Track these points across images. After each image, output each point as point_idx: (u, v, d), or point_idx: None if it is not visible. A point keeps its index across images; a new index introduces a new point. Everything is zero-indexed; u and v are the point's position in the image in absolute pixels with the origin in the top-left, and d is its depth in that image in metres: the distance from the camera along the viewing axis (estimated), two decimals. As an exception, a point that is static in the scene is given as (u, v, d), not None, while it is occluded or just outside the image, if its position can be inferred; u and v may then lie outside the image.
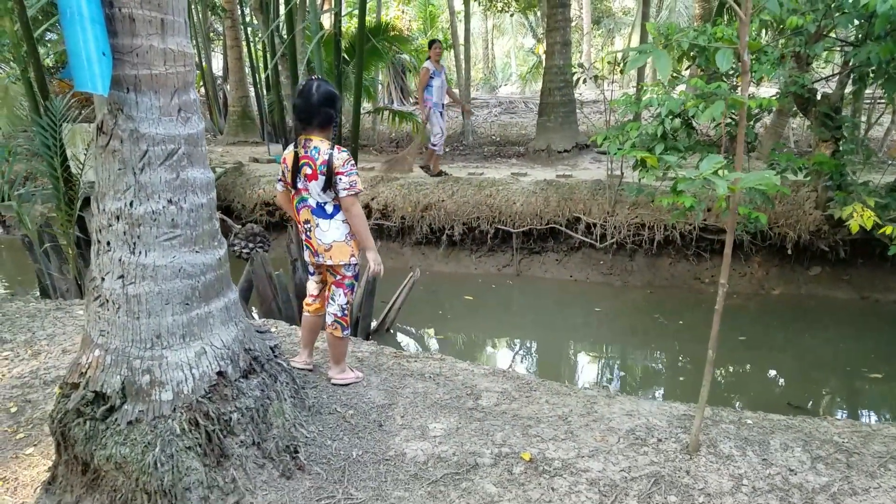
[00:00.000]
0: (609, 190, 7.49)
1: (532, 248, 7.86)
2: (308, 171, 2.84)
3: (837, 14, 4.06)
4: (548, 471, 2.48)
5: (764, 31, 5.49)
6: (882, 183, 6.21)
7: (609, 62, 7.62)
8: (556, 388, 3.26)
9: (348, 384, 3.15)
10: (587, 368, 5.65)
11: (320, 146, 2.82)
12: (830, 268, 7.06)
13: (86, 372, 2.14)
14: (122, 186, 2.02)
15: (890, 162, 8.30)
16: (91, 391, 2.11)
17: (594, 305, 6.91)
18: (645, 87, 4.40)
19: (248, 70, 13.43)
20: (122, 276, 2.08)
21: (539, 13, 23.09)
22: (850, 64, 4.92)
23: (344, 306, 3.05)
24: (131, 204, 2.03)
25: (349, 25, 14.07)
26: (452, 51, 13.62)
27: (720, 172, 1.97)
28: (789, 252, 7.01)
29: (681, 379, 5.43)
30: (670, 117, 4.16)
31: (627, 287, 7.41)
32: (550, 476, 2.45)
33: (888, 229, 4.03)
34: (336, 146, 2.85)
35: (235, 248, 6.42)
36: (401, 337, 6.19)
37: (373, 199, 8.33)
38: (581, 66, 7.26)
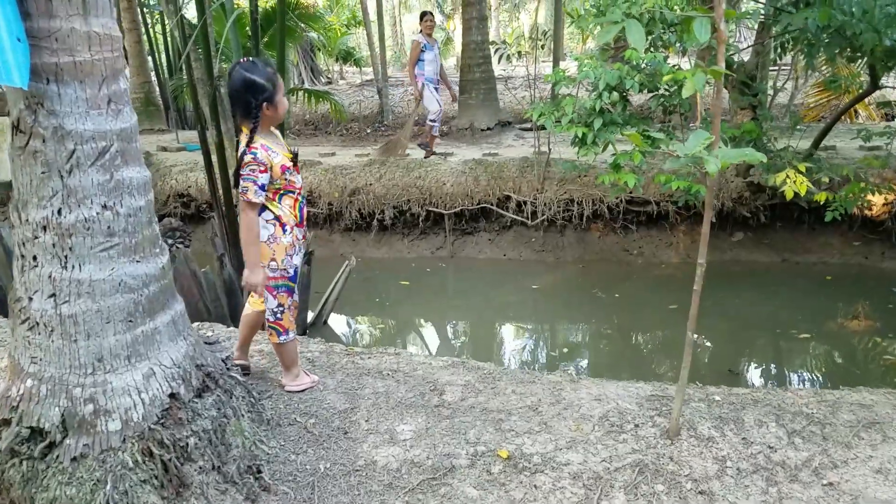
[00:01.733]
0: (537, 166, 7.50)
1: (464, 229, 7.78)
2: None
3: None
4: (528, 467, 2.40)
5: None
6: (800, 148, 6.53)
7: (531, 37, 7.56)
8: (520, 376, 3.18)
9: (303, 390, 2.95)
10: (537, 349, 5.65)
11: (242, 141, 2.57)
12: (752, 233, 7.39)
13: (17, 405, 1.85)
14: (47, 192, 1.73)
15: (799, 127, 8.78)
16: (26, 427, 1.83)
17: (530, 283, 6.93)
18: (580, 60, 4.36)
19: (147, 54, 12.49)
20: (53, 295, 1.80)
21: (447, -12, 22.87)
22: (774, 31, 5.05)
23: (275, 310, 2.77)
24: (59, 212, 1.75)
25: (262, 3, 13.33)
26: (363, 28, 13.22)
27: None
28: (713, 220, 7.27)
29: (629, 353, 5.53)
30: (608, 91, 4.15)
31: (560, 263, 7.48)
32: (531, 473, 2.37)
33: (821, 196, 4.20)
34: (255, 146, 2.54)
35: (152, 245, 5.96)
36: (339, 328, 5.97)
37: (296, 186, 7.97)
38: (504, 42, 7.17)
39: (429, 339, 5.93)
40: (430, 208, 7.64)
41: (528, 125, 10.50)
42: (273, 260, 2.70)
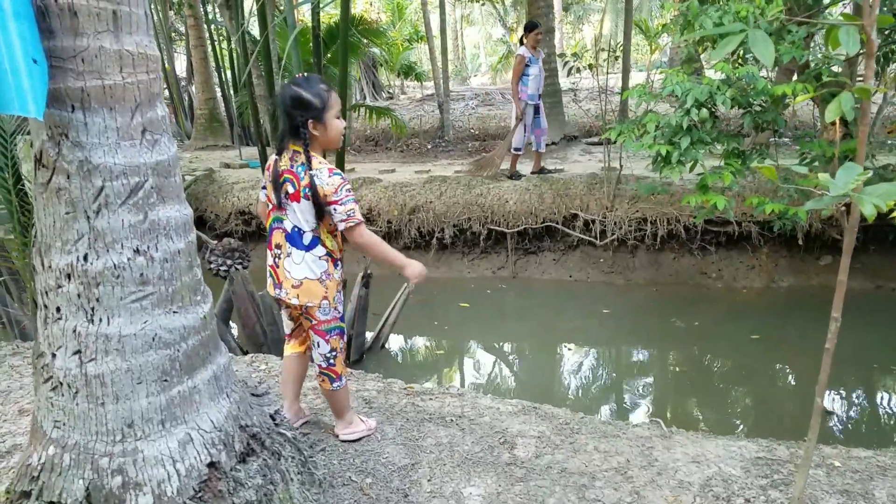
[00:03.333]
0: (607, 184, 7.09)
1: (527, 249, 7.43)
2: (290, 189, 2.34)
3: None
4: (619, 548, 2.05)
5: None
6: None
7: (603, 49, 7.18)
8: (602, 428, 2.82)
9: (359, 439, 2.68)
10: (612, 387, 5.22)
11: (307, 163, 2.31)
12: (841, 256, 6.75)
13: (38, 476, 1.63)
14: (72, 235, 1.52)
15: (890, 141, 8.05)
16: (46, 502, 1.61)
17: (599, 307, 6.52)
18: (665, 74, 3.98)
19: (213, 70, 12.74)
20: (78, 352, 1.58)
21: (508, 1, 22.64)
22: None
23: (328, 355, 2.52)
24: (86, 257, 1.53)
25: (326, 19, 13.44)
26: (426, 43, 13.10)
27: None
28: (799, 242, 6.69)
29: (714, 393, 5.03)
30: (696, 107, 3.74)
31: (630, 285, 7.03)
32: (623, 556, 2.02)
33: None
34: (329, 167, 2.32)
35: (212, 265, 5.86)
36: (397, 353, 5.72)
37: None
38: (575, 54, 6.82)
39: (490, 369, 5.59)
40: (492, 227, 7.32)
41: (596, 139, 10.09)
42: (325, 298, 2.44)
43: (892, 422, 4.58)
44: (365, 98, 17.04)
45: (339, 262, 2.48)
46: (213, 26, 12.73)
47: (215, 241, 5.64)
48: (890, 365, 5.27)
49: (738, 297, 6.66)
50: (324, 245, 2.40)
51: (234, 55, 12.28)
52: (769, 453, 2.57)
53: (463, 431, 2.78)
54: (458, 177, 7.81)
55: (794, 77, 6.58)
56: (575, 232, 7.15)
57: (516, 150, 7.47)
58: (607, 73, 7.29)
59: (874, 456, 2.55)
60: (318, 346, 2.52)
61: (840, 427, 4.39)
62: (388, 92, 19.05)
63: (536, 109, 7.31)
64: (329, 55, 9.53)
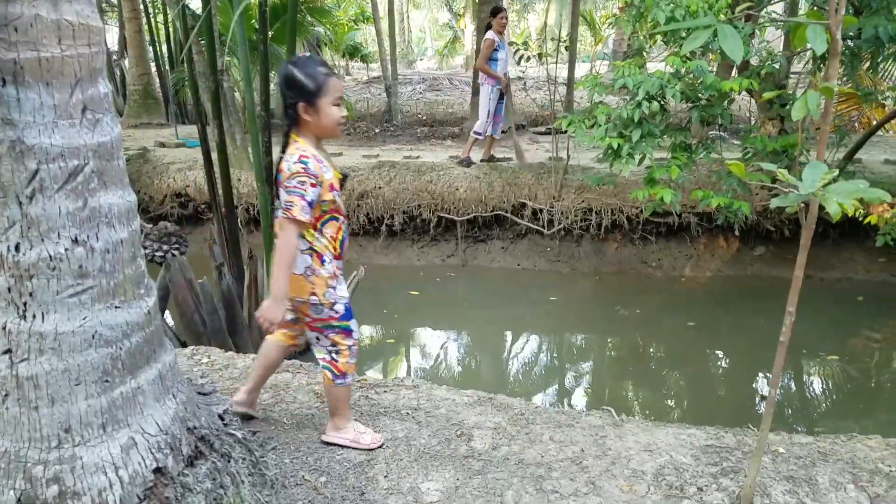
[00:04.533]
0: (555, 174, 7.14)
1: (477, 237, 7.43)
2: (279, 177, 2.24)
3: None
4: (578, 541, 2.05)
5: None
6: (831, 161, 6.18)
7: (552, 39, 7.20)
8: (556, 418, 2.83)
9: (345, 446, 2.50)
10: (565, 375, 5.28)
11: (285, 147, 2.23)
12: (775, 247, 7.03)
13: (-40, 486, 1.49)
14: (1, 223, 1.37)
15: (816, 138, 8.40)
16: (-30, 514, 1.47)
17: (547, 295, 6.58)
18: (617, 66, 4.01)
19: (148, 45, 12.12)
20: (8, 351, 1.44)
21: (456, -14, 22.49)
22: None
23: (329, 348, 2.40)
24: (17, 248, 1.39)
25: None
26: (372, 25, 12.85)
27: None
28: (736, 233, 6.92)
29: (661, 379, 5.15)
30: (647, 100, 3.78)
31: (576, 274, 7.13)
32: (582, 547, 2.02)
33: (872, 219, 3.85)
34: (302, 153, 2.16)
35: (147, 250, 5.59)
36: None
37: (300, 188, 7.61)
38: (525, 43, 6.81)
39: (442, 358, 5.56)
40: (442, 214, 7.28)
41: (543, 129, 10.13)
42: (313, 294, 2.30)
43: (822, 405, 4.81)
44: (309, 79, 16.58)
45: (324, 258, 2.30)
46: (148, -2, 12.13)
47: (150, 225, 5.38)
48: (819, 350, 5.54)
49: (677, 285, 6.86)
50: (305, 239, 2.25)
51: (172, 29, 11.74)
52: (717, 441, 2.63)
53: (419, 424, 2.73)
54: (408, 162, 7.72)
55: (734, 73, 6.78)
56: (523, 221, 7.19)
57: (476, 133, 7.43)
58: (556, 62, 7.31)
59: (815, 442, 2.64)
60: (318, 340, 2.41)
61: (775, 412, 4.56)
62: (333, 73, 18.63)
63: (500, 95, 7.28)
64: (272, 33, 9.20)
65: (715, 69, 6.92)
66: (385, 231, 7.34)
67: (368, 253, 7.41)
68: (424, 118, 12.00)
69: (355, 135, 10.23)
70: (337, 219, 2.31)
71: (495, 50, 7.02)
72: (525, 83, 9.46)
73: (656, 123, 4.00)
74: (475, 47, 9.37)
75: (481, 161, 7.70)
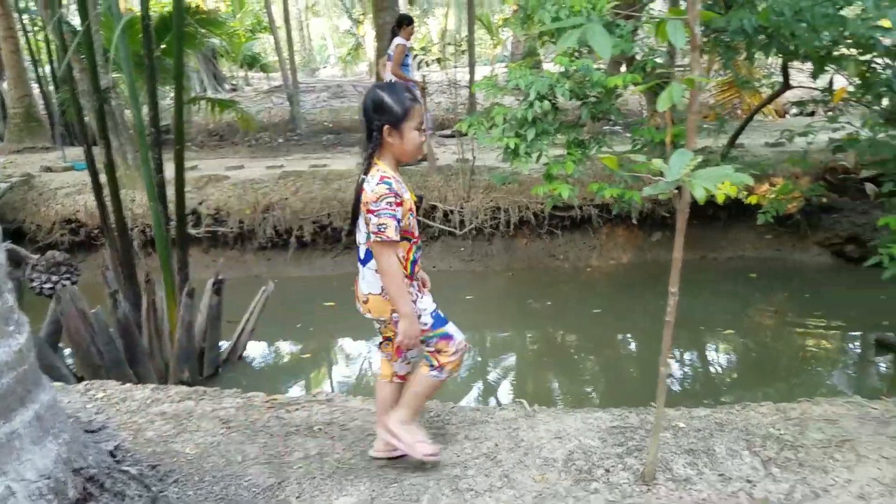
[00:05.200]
0: (462, 175, 7.23)
1: (390, 242, 7.39)
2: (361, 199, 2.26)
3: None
4: (494, 536, 2.08)
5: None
6: (713, 147, 6.58)
7: (449, 44, 7.30)
8: (471, 416, 2.86)
9: (395, 441, 2.41)
10: (482, 372, 5.33)
11: (367, 170, 2.23)
12: (670, 232, 7.41)
13: None
14: None
15: (706, 125, 8.92)
16: None
17: (462, 294, 6.66)
18: (509, 68, 4.11)
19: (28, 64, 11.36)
20: None
21: (354, -7, 22.37)
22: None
23: (432, 352, 2.39)
24: None
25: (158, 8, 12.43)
26: (270, 34, 12.58)
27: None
28: (634, 221, 7.24)
29: (573, 366, 5.31)
30: (539, 100, 3.90)
31: (489, 272, 7.26)
32: (499, 542, 2.05)
33: (753, 199, 4.13)
34: (383, 174, 2.18)
35: (35, 283, 5.21)
36: (257, 363, 5.45)
37: (201, 204, 7.35)
38: (424, 48, 6.88)
39: (362, 369, 5.50)
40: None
41: (448, 132, 10.24)
42: (395, 311, 2.30)
43: (722, 378, 5.10)
44: (205, 90, 16.04)
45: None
46: (25, 15, 11.34)
47: (37, 256, 5.03)
48: (715, 326, 5.89)
49: (583, 275, 7.11)
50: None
51: (54, 47, 11.04)
52: (622, 421, 2.74)
53: (333, 439, 2.68)
54: (315, 171, 7.61)
55: (623, 69, 7.10)
56: (435, 223, 7.23)
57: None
58: (455, 66, 7.42)
59: (712, 414, 2.80)
60: (405, 355, 2.45)
61: (679, 388, 4.82)
62: (232, 84, 18.10)
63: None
64: (164, 46, 8.82)
65: (605, 67, 7.22)
66: (295, 243, 7.19)
67: (278, 266, 7.24)
68: (331, 126, 11.86)
69: (257, 146, 9.98)
70: (409, 239, 2.34)
71: (406, 55, 7.25)
72: (426, 88, 9.53)
73: (550, 122, 4.14)
74: (377, 54, 9.36)
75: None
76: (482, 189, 7.18)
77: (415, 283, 2.38)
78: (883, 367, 4.98)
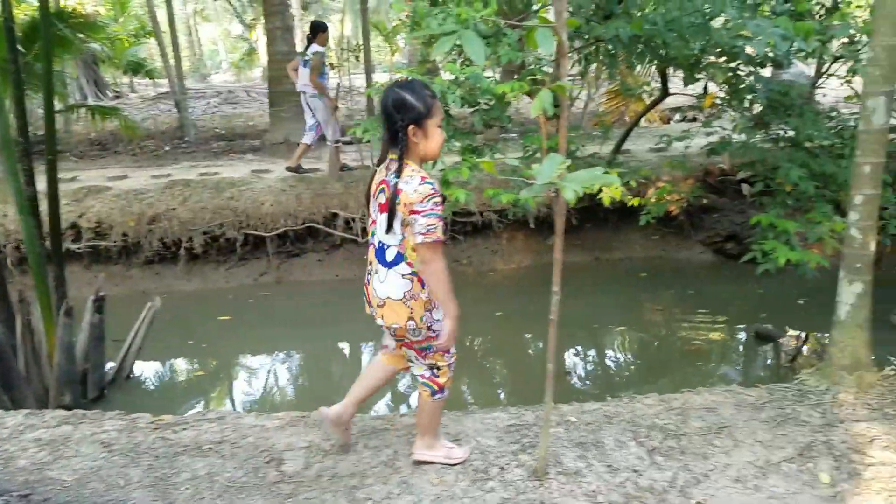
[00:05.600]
0: (363, 181, 7.17)
1: (290, 251, 7.21)
2: (382, 199, 2.21)
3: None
4: (391, 543, 2.06)
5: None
6: (601, 153, 6.90)
7: (344, 49, 7.25)
8: (372, 424, 2.83)
9: (433, 462, 2.45)
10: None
11: (398, 171, 2.16)
12: (567, 236, 7.67)
13: None
14: None
15: (595, 133, 9.36)
16: None
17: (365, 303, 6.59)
18: (402, 73, 4.11)
19: None
20: None
21: (247, -2, 21.75)
22: (570, 43, 5.20)
23: (430, 367, 2.38)
24: None
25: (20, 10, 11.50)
26: (154, 39, 11.99)
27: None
28: (531, 225, 7.46)
29: (477, 368, 5.38)
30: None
31: (393, 279, 7.22)
32: (396, 549, 2.04)
33: (635, 201, 4.36)
34: (423, 175, 2.15)
35: None
36: (145, 384, 5.15)
37: (81, 217, 6.86)
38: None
39: (261, 383, 5.31)
40: (249, 231, 6.97)
41: (348, 138, 10.14)
42: (411, 319, 2.24)
43: (617, 373, 5.33)
44: (86, 97, 15.05)
45: (425, 283, 2.26)
46: None
47: None
48: (609, 324, 6.16)
49: (486, 279, 7.24)
50: (408, 264, 2.23)
51: None
52: (518, 419, 2.81)
53: (224, 458, 2.57)
54: (204, 180, 7.29)
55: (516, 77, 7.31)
56: (337, 231, 7.13)
57: (335, 142, 7.41)
58: (351, 73, 7.38)
59: (602, 407, 2.92)
60: (416, 359, 2.39)
61: (577, 384, 5.00)
62: (115, 91, 17.09)
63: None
64: (36, 51, 8.18)
65: (498, 75, 7.41)
66: (185, 255, 6.85)
67: (167, 280, 6.87)
68: (224, 132, 11.43)
69: (142, 155, 9.45)
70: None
71: (323, 63, 7.22)
72: (337, 104, 9.43)
73: (444, 128, 4.16)
74: (268, 59, 9.13)
75: (287, 169, 7.55)
76: (383, 196, 7.15)
77: None
78: (763, 356, 5.38)
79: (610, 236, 7.74)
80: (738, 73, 4.49)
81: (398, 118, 2.16)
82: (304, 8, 20.95)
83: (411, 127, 2.17)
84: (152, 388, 5.17)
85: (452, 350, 2.39)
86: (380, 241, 2.26)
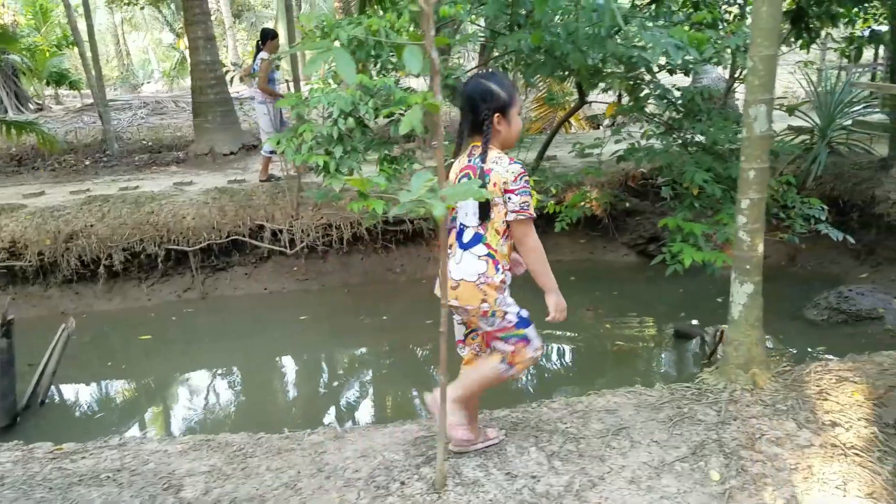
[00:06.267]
0: (289, 192, 7.08)
1: (216, 266, 7.05)
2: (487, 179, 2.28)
3: (481, 5, 4.25)
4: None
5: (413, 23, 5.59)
6: (528, 160, 7.00)
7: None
8: (277, 444, 2.78)
9: (473, 449, 2.52)
10: (309, 394, 5.21)
11: (483, 155, 2.26)
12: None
13: None
14: None
15: (527, 140, 9.49)
16: None
17: (296, 315, 6.50)
18: (311, 85, 4.09)
19: None
20: None
21: (174, 6, 21.19)
22: (489, 53, 5.28)
23: (509, 351, 2.38)
24: None
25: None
26: (76, 49, 11.54)
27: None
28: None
29: (397, 381, 5.36)
30: (343, 117, 3.92)
31: (325, 290, 7.15)
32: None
33: (551, 207, 4.44)
34: (510, 157, 2.28)
35: None
36: (61, 410, 4.93)
37: (-7, 237, 6.54)
38: (235, 64, 6.68)
39: (180, 405, 5.16)
40: (171, 246, 6.78)
41: (272, 148, 10.01)
42: (484, 301, 2.29)
43: (541, 377, 5.38)
44: (6, 111, 14.35)
45: (499, 266, 2.31)
46: None
47: None
48: (540, 328, 6.23)
49: (419, 288, 7.22)
50: (486, 245, 2.30)
51: None
52: (428, 431, 2.80)
53: (121, 487, 2.48)
54: (124, 194, 7.07)
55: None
56: (264, 243, 7.01)
57: (270, 152, 7.26)
58: (286, 81, 7.31)
59: (511, 413, 2.95)
60: (496, 348, 2.41)
61: (501, 389, 5.02)
62: (38, 103, 16.38)
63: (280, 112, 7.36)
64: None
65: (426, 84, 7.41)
66: (104, 273, 6.61)
67: (87, 300, 6.62)
68: (151, 144, 11.09)
69: (61, 170, 9.07)
70: None
71: (272, 70, 7.23)
72: (242, 103, 9.27)
73: (358, 139, 4.17)
74: (192, 69, 8.92)
75: (260, 181, 7.47)
76: (311, 206, 7.07)
77: (507, 272, 2.38)
78: (682, 355, 5.54)
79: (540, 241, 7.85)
80: (639, 82, 4.65)
81: (483, 107, 2.26)
82: (237, 16, 20.58)
83: (497, 115, 2.27)
84: (68, 414, 4.96)
85: (535, 342, 2.41)
86: (460, 224, 2.35)
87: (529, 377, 5.38)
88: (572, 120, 11.20)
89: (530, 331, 2.41)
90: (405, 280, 7.41)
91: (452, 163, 2.46)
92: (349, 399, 5.05)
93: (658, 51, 3.24)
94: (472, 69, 7.58)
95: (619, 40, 3.73)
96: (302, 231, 7.05)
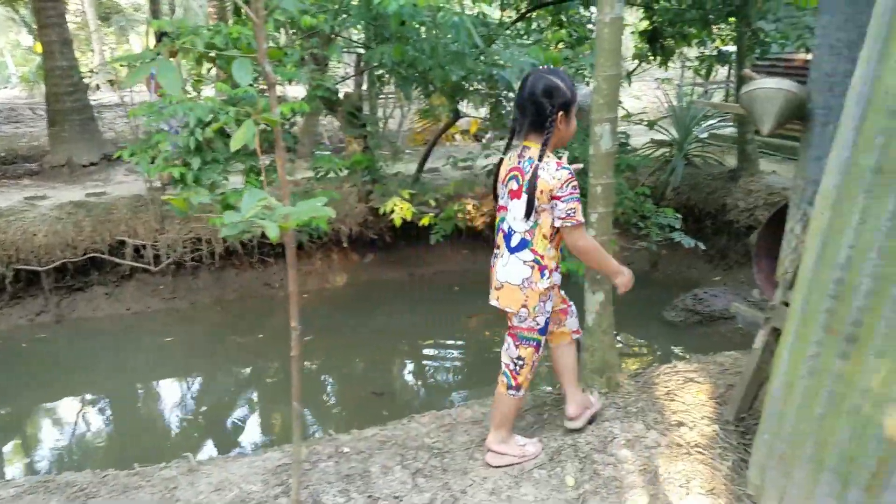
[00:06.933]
0: (153, 205, 6.65)
1: (72, 286, 6.50)
2: (514, 185, 2.29)
3: (345, 15, 4.21)
4: None
5: (281, 31, 5.43)
6: (409, 171, 7.03)
7: (122, 66, 6.70)
8: (124, 482, 2.56)
9: (504, 465, 2.51)
10: (165, 421, 4.88)
11: (534, 156, 2.22)
12: (382, 253, 7.72)
13: None
14: None
15: (409, 152, 9.55)
16: None
17: (162, 337, 6.11)
18: (163, 93, 3.86)
19: None
20: None
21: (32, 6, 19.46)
22: (363, 64, 5.26)
23: (515, 360, 2.44)
24: None
25: None
26: None
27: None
28: (345, 244, 7.40)
29: (271, 401, 5.16)
30: (201, 127, 3.72)
31: (196, 308, 6.78)
32: None
33: (426, 220, 4.45)
34: (557, 161, 2.21)
35: None
36: None
37: None
38: (93, 70, 6.20)
39: (21, 443, 4.67)
40: (19, 266, 6.17)
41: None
42: (524, 307, 2.34)
43: (428, 387, 5.38)
44: None
45: (545, 272, 2.32)
46: None
47: None
48: (423, 338, 6.25)
49: (301, 302, 7.03)
50: (533, 250, 2.29)
51: None
52: (290, 458, 2.70)
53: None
54: (-38, 212, 6.35)
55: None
56: (125, 260, 6.54)
57: None
58: (131, 89, 6.84)
59: (379, 432, 2.89)
60: (508, 348, 2.46)
61: (385, 402, 4.98)
62: None
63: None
64: None
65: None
66: (-62, 299, 5.91)
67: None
68: (3, 155, 10.07)
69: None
70: None
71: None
72: (99, 111, 8.67)
73: (220, 150, 3.98)
74: (45, 74, 8.19)
75: None
76: (179, 220, 6.69)
77: (556, 273, 2.38)
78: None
79: (424, 252, 7.87)
80: (500, 98, 4.79)
81: (548, 104, 2.19)
82: (104, 19, 19.23)
83: (560, 113, 2.21)
84: None
85: (541, 350, 2.46)
86: (508, 227, 2.33)
87: (409, 388, 5.37)
88: (457, 133, 11.38)
89: (543, 339, 2.50)
90: (284, 295, 7.17)
91: (502, 159, 2.42)
92: (213, 427, 4.78)
93: (516, 69, 3.35)
94: (342, 79, 7.51)
95: (482, 58, 3.81)
96: (168, 246, 6.66)
